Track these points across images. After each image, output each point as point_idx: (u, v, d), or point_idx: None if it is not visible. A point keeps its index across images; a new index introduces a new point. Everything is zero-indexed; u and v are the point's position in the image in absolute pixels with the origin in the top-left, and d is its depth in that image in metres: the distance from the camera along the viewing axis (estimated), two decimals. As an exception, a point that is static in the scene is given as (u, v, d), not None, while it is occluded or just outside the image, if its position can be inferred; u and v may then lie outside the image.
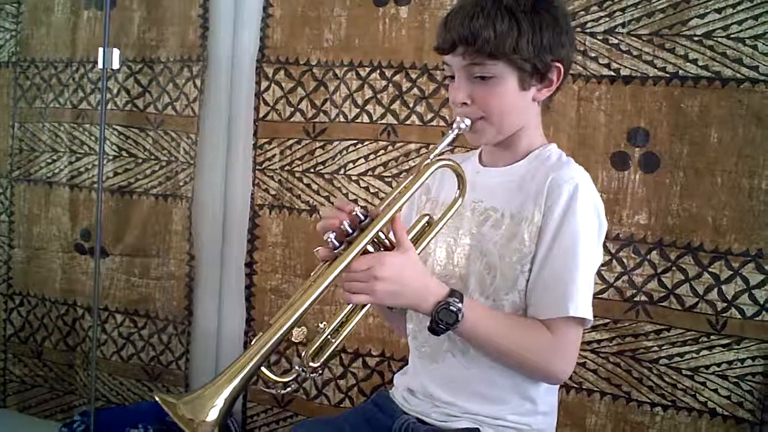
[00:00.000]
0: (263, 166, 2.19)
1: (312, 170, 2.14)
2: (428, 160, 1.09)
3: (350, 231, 1.01)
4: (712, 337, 1.76)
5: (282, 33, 2.14)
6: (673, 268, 1.78)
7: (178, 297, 2.31)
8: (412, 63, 2.00)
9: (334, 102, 2.10)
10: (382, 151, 2.06)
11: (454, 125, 1.13)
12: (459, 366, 1.17)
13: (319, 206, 2.13)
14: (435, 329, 1.06)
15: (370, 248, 1.03)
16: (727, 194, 1.72)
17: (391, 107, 2.04)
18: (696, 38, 1.73)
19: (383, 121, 2.05)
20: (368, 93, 2.06)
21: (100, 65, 1.89)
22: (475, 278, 1.15)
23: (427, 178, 1.08)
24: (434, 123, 2.00)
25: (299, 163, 2.15)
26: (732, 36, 1.70)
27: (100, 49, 1.88)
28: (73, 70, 2.40)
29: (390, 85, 2.03)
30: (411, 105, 2.01)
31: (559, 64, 1.13)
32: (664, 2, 1.74)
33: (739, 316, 1.73)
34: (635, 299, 1.81)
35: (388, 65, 2.03)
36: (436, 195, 1.28)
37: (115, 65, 1.91)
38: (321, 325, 1.05)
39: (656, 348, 1.80)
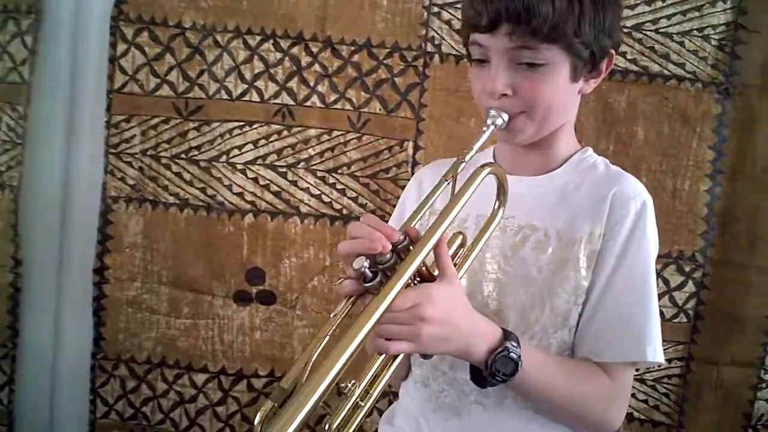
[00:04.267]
0: (119, 149, 1.76)
1: (183, 156, 1.76)
2: (462, 165, 0.85)
3: (387, 258, 0.74)
4: (630, 341, 1.70)
5: (146, -14, 1.73)
6: (595, 270, 1.70)
7: (-1, 313, 1.81)
8: (313, 34, 1.71)
9: (213, 75, 1.74)
10: (276, 136, 1.74)
11: (489, 121, 0.90)
12: (490, 421, 0.94)
13: (193, 199, 1.76)
14: (486, 380, 0.82)
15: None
16: (652, 194, 1.62)
17: (287, 85, 1.73)
18: (626, 30, 1.64)
19: (277, 101, 1.73)
20: (259, 66, 1.73)
21: None
22: (516, 313, 0.93)
23: (475, 189, 0.84)
24: (338, 106, 1.73)
25: (166, 146, 1.76)
26: (660, 30, 1.64)
27: None
28: None
29: (286, 58, 1.72)
30: (311, 84, 1.72)
31: (613, 51, 0.94)
32: (595, -11, 1.64)
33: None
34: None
35: (284, 35, 1.71)
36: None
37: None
38: (349, 385, 0.75)
39: (575, 354, 1.71)
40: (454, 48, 1.69)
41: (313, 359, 0.72)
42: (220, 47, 1.73)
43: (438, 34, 1.69)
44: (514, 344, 0.83)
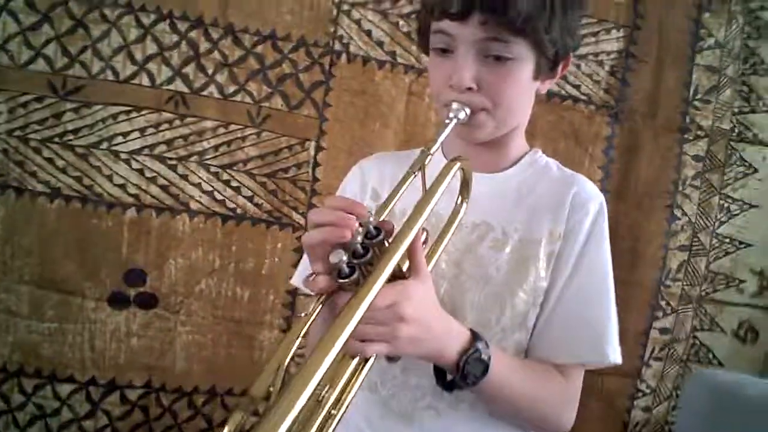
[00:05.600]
0: (-21, 127, 1.55)
1: (57, 140, 1.58)
2: (428, 157, 0.80)
3: (361, 251, 0.67)
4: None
5: (24, -55, 1.54)
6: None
7: None
8: (215, 19, 1.60)
9: (98, 52, 1.57)
10: (167, 125, 1.61)
11: (451, 114, 0.85)
12: (442, 426, 0.89)
13: (66, 189, 1.58)
14: (454, 384, 0.78)
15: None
16: (545, 209, 1.71)
17: (183, 71, 1.60)
18: (529, 47, 1.68)
19: (170, 87, 1.60)
20: (152, 47, 1.59)
21: None
22: (475, 313, 0.89)
23: (447, 184, 0.79)
24: (238, 98, 1.63)
25: (38, 128, 1.57)
26: (561, 51, 1.70)
27: None
28: None
29: (183, 42, 1.60)
30: (209, 72, 1.61)
31: (572, 53, 0.93)
32: (504, 4, 1.67)
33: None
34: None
35: (183, 16, 1.59)
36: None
37: None
38: (323, 392, 0.66)
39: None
40: (362, 49, 1.64)
41: (285, 364, 0.64)
42: (109, 23, 1.57)
43: (347, 33, 1.64)
44: (484, 345, 0.79)
